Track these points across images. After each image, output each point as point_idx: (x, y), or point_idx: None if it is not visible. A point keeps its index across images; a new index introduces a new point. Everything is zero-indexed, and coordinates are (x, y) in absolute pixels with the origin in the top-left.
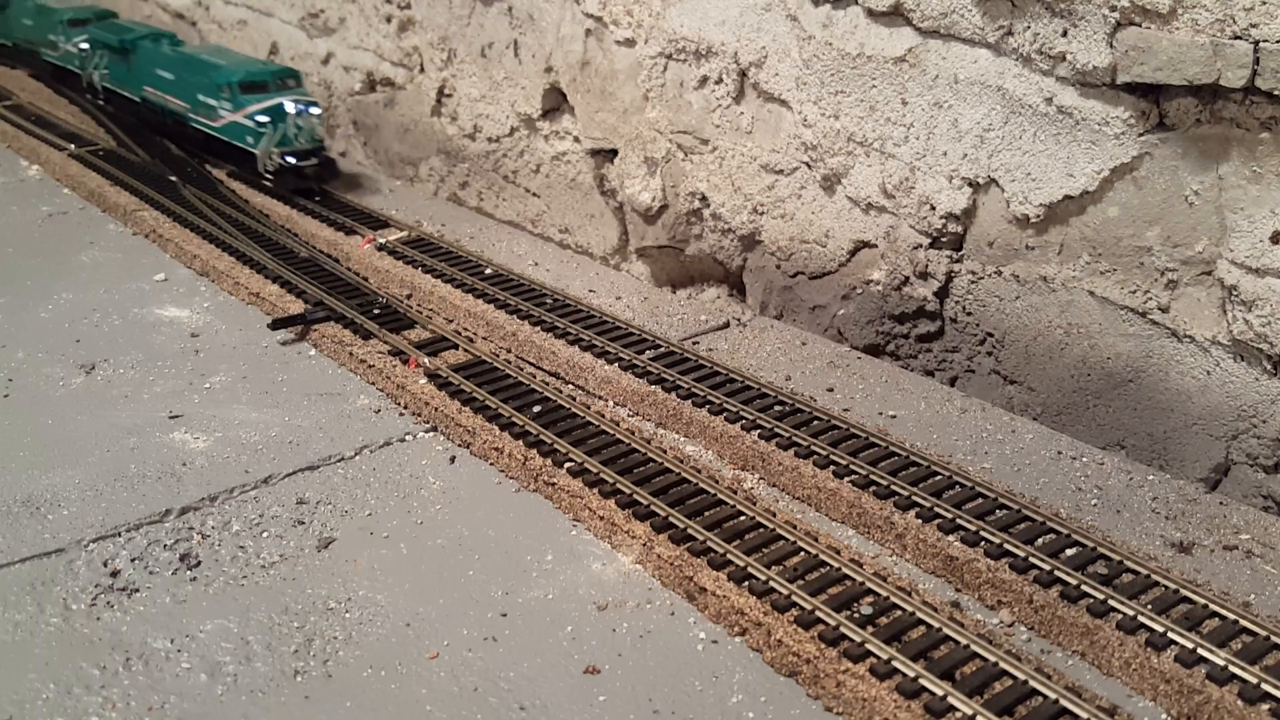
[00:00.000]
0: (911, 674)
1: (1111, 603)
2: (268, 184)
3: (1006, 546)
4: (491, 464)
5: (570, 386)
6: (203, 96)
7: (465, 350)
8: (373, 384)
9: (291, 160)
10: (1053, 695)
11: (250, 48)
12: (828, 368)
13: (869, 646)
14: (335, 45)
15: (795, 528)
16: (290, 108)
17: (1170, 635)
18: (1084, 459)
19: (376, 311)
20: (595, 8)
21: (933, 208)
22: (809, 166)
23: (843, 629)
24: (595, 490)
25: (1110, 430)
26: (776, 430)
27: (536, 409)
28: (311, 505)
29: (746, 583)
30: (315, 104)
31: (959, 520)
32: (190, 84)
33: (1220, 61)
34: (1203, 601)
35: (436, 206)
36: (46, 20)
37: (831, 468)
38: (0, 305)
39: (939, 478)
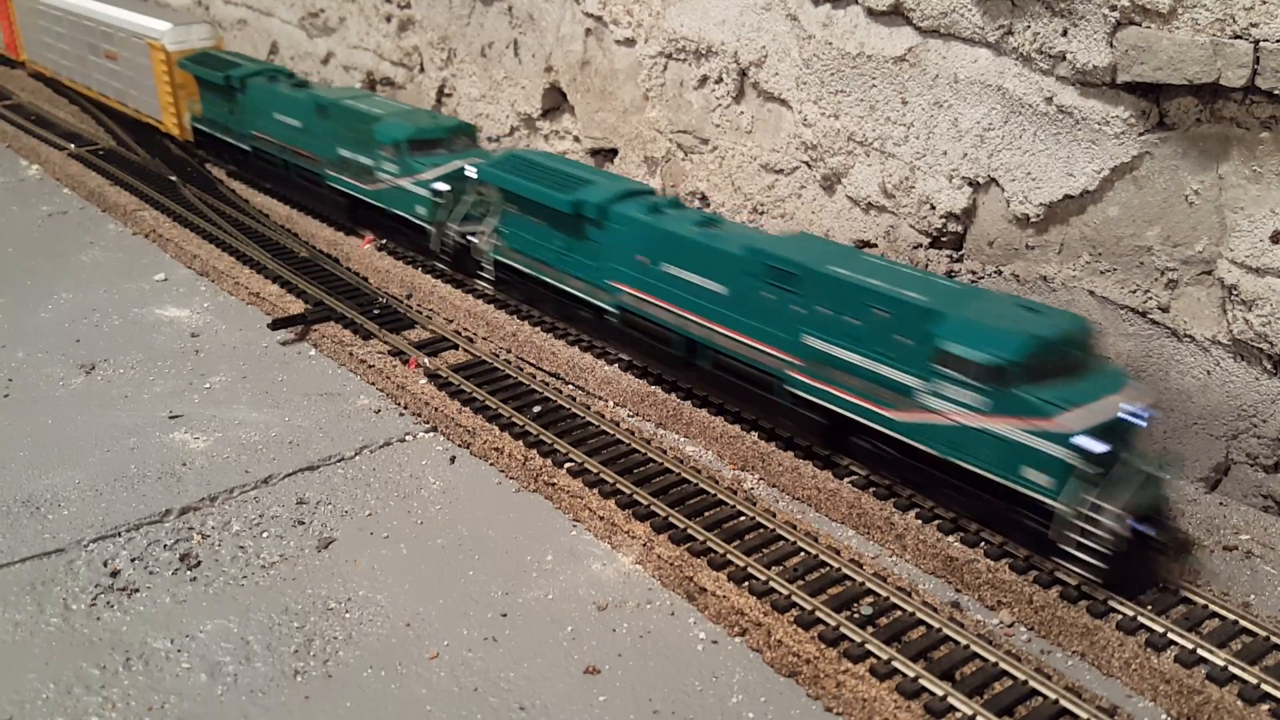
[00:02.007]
0: (911, 674)
1: (1111, 603)
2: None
3: (1006, 547)
4: (491, 464)
5: (570, 386)
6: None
7: (465, 350)
8: (373, 384)
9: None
10: (1053, 695)
11: (250, 47)
12: None
13: (869, 647)
14: (335, 45)
15: (795, 528)
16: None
17: (1170, 636)
18: None
19: (376, 311)
20: (595, 7)
21: (933, 207)
22: (809, 166)
23: (843, 629)
24: (595, 490)
25: None
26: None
27: (536, 409)
28: (311, 505)
29: (746, 583)
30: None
31: (959, 521)
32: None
33: (1220, 61)
34: (1202, 602)
35: None
36: (349, 129)
37: (831, 468)
38: (0, 305)
39: None
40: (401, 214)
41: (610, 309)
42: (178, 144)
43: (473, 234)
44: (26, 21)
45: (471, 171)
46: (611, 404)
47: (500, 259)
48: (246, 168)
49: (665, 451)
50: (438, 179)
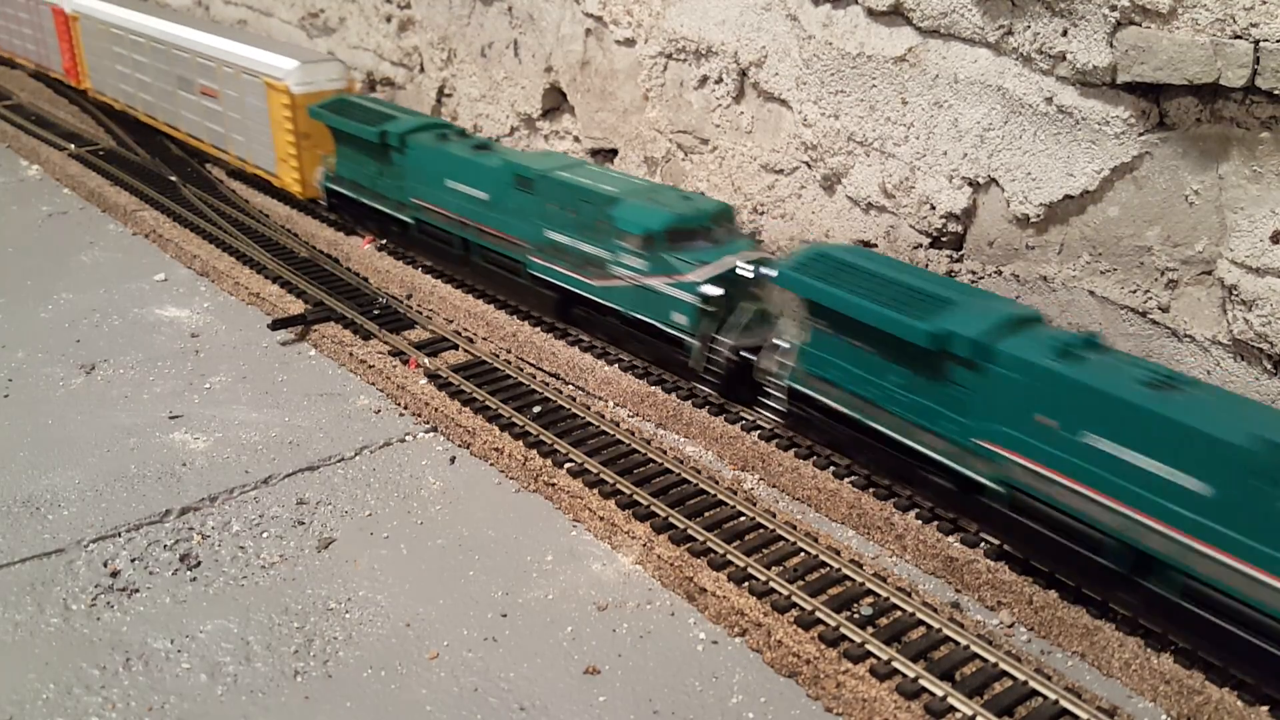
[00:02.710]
0: (911, 674)
1: (1111, 604)
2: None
3: (1006, 547)
4: (491, 464)
5: (570, 386)
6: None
7: (465, 350)
8: (373, 384)
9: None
10: (1053, 696)
11: None
12: None
13: (869, 647)
14: (335, 45)
15: (795, 528)
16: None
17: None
18: None
19: (376, 312)
20: (595, 7)
21: (933, 207)
22: (809, 166)
23: (843, 630)
24: (595, 490)
25: None
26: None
27: (536, 409)
28: (311, 505)
29: (747, 583)
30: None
31: (959, 521)
32: None
33: (1220, 61)
34: None
35: None
36: (568, 209)
37: (831, 468)
38: (0, 305)
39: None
40: (646, 320)
41: (991, 484)
42: (180, 144)
43: (753, 350)
44: (94, 45)
45: (768, 272)
46: (611, 404)
47: (798, 388)
48: (404, 241)
49: (665, 451)
50: (707, 280)
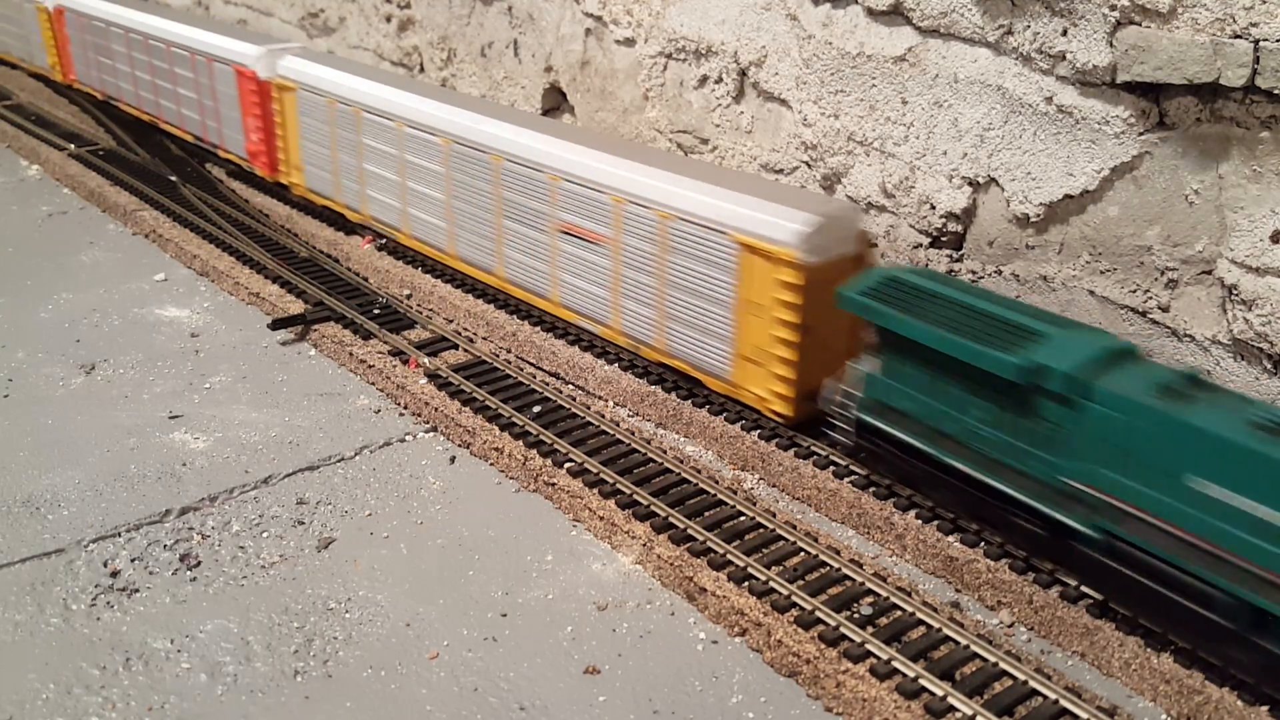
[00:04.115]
0: (911, 674)
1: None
2: None
3: (1006, 547)
4: (491, 464)
5: (570, 386)
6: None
7: (465, 350)
8: (373, 384)
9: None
10: (1053, 695)
11: None
12: None
13: (869, 647)
14: (335, 45)
15: (795, 528)
16: None
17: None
18: None
19: (376, 311)
20: (595, 7)
21: (933, 207)
22: (809, 166)
23: (843, 629)
24: (595, 490)
25: None
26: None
27: (536, 409)
28: (311, 505)
29: (746, 583)
30: None
31: (959, 521)
32: None
33: (1220, 60)
34: None
35: None
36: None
37: (831, 468)
38: (0, 305)
39: None
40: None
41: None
42: (180, 144)
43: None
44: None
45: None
46: (611, 404)
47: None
48: (1090, 577)
49: (665, 451)
50: None
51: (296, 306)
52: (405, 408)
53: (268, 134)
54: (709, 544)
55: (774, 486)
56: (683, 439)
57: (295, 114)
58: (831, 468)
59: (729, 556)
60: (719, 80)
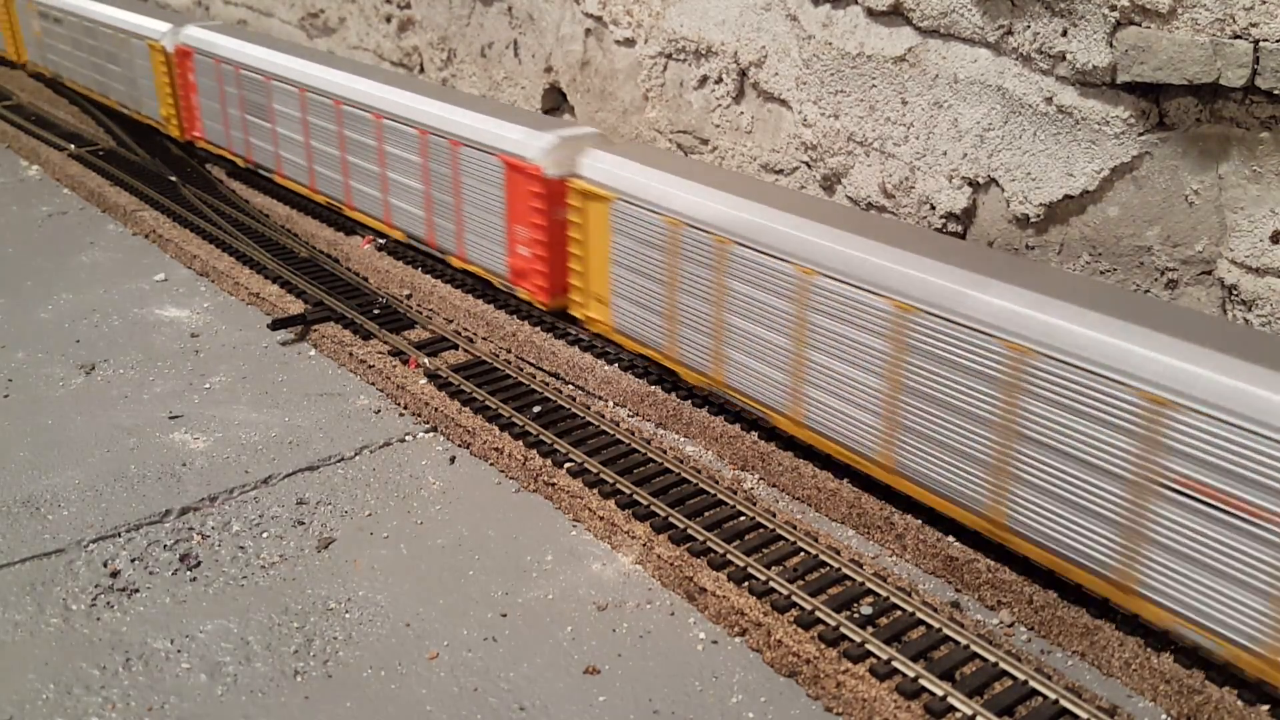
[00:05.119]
0: (911, 674)
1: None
2: None
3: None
4: (491, 464)
5: (570, 386)
6: None
7: (465, 350)
8: (373, 384)
9: None
10: (1053, 695)
11: None
12: None
13: (869, 647)
14: (335, 45)
15: (795, 528)
16: None
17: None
18: None
19: (376, 311)
20: (595, 7)
21: (933, 207)
22: (809, 166)
23: (843, 629)
24: (595, 490)
25: None
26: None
27: (536, 409)
28: (311, 505)
29: (746, 583)
30: None
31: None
32: None
33: (1220, 61)
34: None
35: None
36: None
37: (831, 468)
38: (0, 305)
39: None
40: None
41: None
42: (178, 144)
43: None
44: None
45: None
46: (611, 404)
47: None
48: None
49: (665, 451)
50: None
51: (296, 306)
52: (405, 408)
53: (553, 250)
54: (709, 544)
55: (774, 486)
56: (683, 439)
57: (607, 231)
58: (831, 468)
59: (729, 556)
60: (719, 80)
